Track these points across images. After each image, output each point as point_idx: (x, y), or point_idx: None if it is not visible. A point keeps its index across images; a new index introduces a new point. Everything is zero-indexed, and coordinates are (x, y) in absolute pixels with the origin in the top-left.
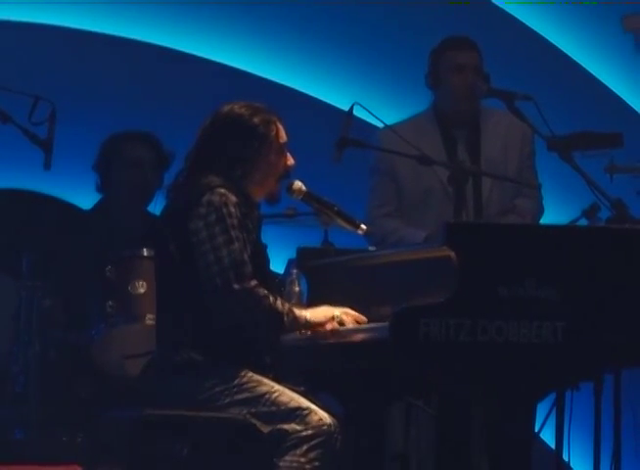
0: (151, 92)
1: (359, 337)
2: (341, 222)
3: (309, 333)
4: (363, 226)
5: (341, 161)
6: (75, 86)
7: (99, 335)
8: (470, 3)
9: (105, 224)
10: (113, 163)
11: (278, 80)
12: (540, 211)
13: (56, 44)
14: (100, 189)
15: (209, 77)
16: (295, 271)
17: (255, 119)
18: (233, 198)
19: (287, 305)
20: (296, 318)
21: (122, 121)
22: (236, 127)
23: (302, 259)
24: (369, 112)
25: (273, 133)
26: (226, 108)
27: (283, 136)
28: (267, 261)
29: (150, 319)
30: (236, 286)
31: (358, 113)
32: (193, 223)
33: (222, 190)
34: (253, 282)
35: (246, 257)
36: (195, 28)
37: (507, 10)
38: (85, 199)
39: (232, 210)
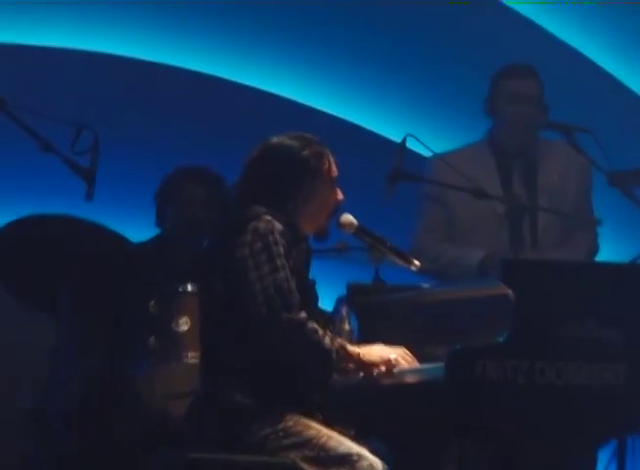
0: (202, 122)
1: (413, 378)
2: (393, 258)
3: (361, 374)
4: (416, 262)
5: (393, 195)
6: (120, 115)
7: (141, 373)
8: (530, 34)
9: (156, 259)
10: (167, 198)
11: (329, 111)
12: (595, 250)
13: (100, 72)
14: (157, 224)
15: (262, 108)
16: (344, 309)
17: (307, 152)
18: (279, 225)
19: (337, 342)
20: (348, 355)
21: (170, 152)
22: (287, 160)
23: (353, 296)
24: (423, 144)
25: (325, 166)
26: (275, 139)
27: (334, 170)
28: (316, 299)
29: (192, 357)
30: (284, 315)
31: (411, 145)
32: (238, 251)
33: (268, 217)
34: (302, 314)
35: (293, 286)
36: (246, 57)
37: (567, 41)
38: (129, 232)
39: (277, 237)
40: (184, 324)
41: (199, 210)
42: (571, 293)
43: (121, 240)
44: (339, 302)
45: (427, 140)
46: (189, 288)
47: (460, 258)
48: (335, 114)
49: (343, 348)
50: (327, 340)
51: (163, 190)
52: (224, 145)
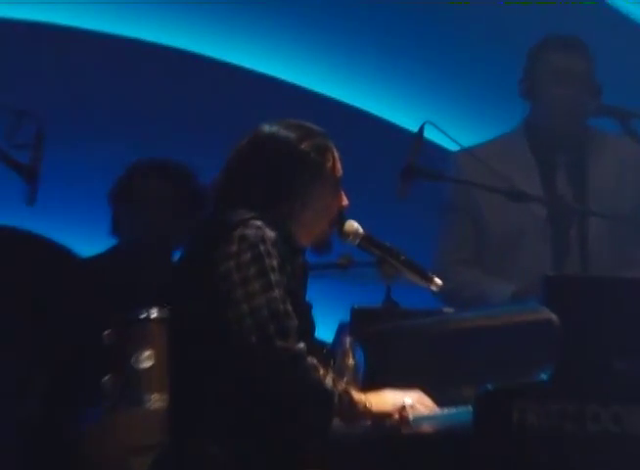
0: (173, 108)
1: (433, 426)
2: (408, 275)
3: (369, 422)
4: (437, 280)
5: (407, 195)
6: (69, 100)
7: (93, 421)
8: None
9: (112, 277)
10: (125, 199)
11: (333, 95)
12: None
13: (46, 47)
14: (113, 232)
15: (253, 92)
16: (348, 339)
17: (306, 145)
18: (271, 233)
19: (341, 385)
20: (352, 403)
21: (132, 145)
22: (281, 154)
23: (358, 324)
24: (445, 134)
25: (328, 164)
26: (268, 128)
27: (339, 168)
28: (313, 327)
29: (158, 401)
30: (278, 343)
31: (430, 135)
32: (221, 265)
33: (258, 222)
34: (301, 344)
35: (289, 308)
36: (237, 34)
37: (621, 9)
38: (79, 244)
39: (270, 247)
40: (147, 359)
41: (165, 212)
42: (632, 318)
43: (68, 254)
44: (340, 330)
45: (449, 130)
46: (154, 314)
47: (484, 295)
48: (339, 98)
49: (348, 394)
50: (329, 381)
51: (120, 189)
52: (202, 136)
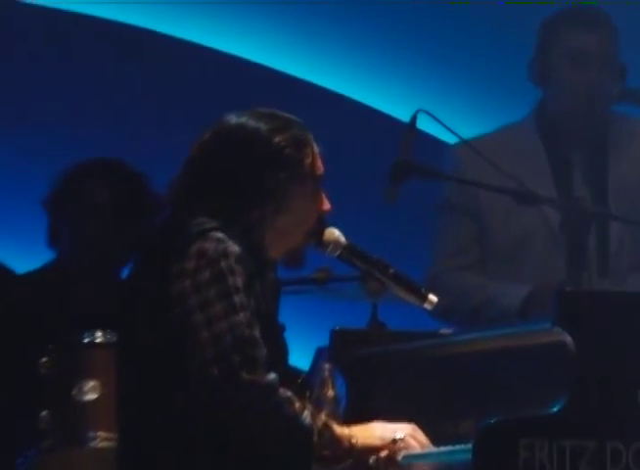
0: (125, 95)
1: (426, 466)
2: (398, 291)
3: (351, 461)
4: (432, 297)
5: (397, 197)
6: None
7: (28, 462)
8: None
9: (50, 296)
10: (63, 207)
11: (314, 81)
12: None
13: None
14: (50, 244)
15: (224, 78)
16: (327, 366)
17: (280, 138)
18: (235, 247)
19: (321, 419)
20: (335, 439)
21: (75, 142)
22: (250, 149)
23: (339, 348)
24: (441, 123)
25: (307, 160)
26: (235, 118)
27: (319, 166)
28: (285, 352)
29: (104, 440)
30: (244, 376)
31: (424, 126)
32: (176, 285)
33: (219, 234)
34: (271, 375)
35: (257, 333)
36: (214, 18)
37: None
38: (12, 259)
39: (233, 264)
40: (91, 391)
41: (110, 221)
42: None
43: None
44: (319, 356)
45: (446, 119)
46: (99, 338)
47: (494, 299)
48: (319, 83)
49: (329, 428)
50: (306, 415)
51: (58, 194)
52: (161, 131)
